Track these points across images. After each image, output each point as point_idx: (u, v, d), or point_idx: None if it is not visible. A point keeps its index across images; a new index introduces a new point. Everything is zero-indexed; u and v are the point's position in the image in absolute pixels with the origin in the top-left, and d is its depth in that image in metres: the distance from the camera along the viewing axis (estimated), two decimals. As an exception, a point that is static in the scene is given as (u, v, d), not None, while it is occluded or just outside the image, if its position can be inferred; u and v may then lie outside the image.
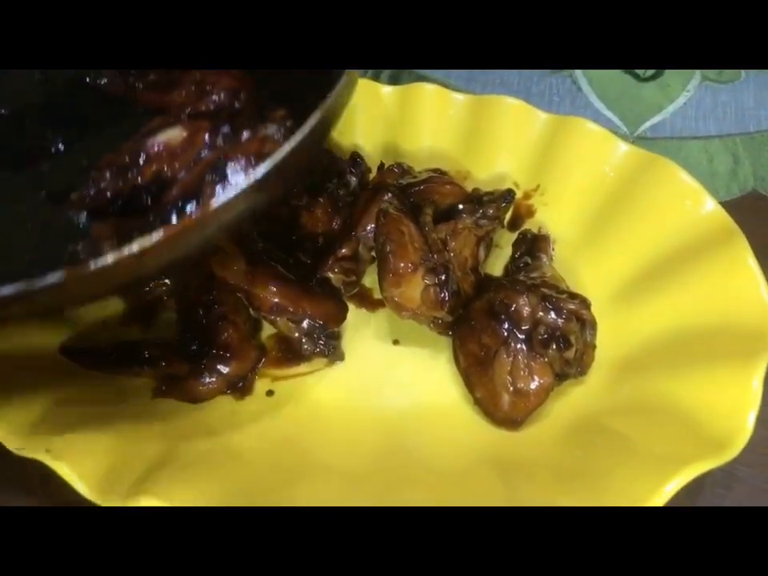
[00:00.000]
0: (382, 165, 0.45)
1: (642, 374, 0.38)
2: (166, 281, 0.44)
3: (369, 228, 0.42)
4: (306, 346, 0.41)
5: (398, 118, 0.49)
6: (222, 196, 0.28)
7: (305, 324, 0.41)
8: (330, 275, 0.42)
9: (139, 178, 0.33)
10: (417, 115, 0.49)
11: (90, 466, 0.34)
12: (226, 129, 0.33)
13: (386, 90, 0.50)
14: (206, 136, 0.33)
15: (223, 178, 0.31)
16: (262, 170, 0.29)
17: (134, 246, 0.27)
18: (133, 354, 0.40)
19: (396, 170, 0.44)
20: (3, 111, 0.38)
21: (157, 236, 0.27)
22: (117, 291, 0.33)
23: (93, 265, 0.27)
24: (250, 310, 0.41)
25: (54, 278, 0.26)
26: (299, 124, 0.30)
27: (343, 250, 0.42)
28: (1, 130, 0.38)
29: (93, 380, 0.40)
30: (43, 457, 0.33)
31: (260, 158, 0.31)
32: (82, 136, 0.37)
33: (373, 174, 0.47)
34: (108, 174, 0.33)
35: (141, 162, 0.33)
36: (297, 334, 0.41)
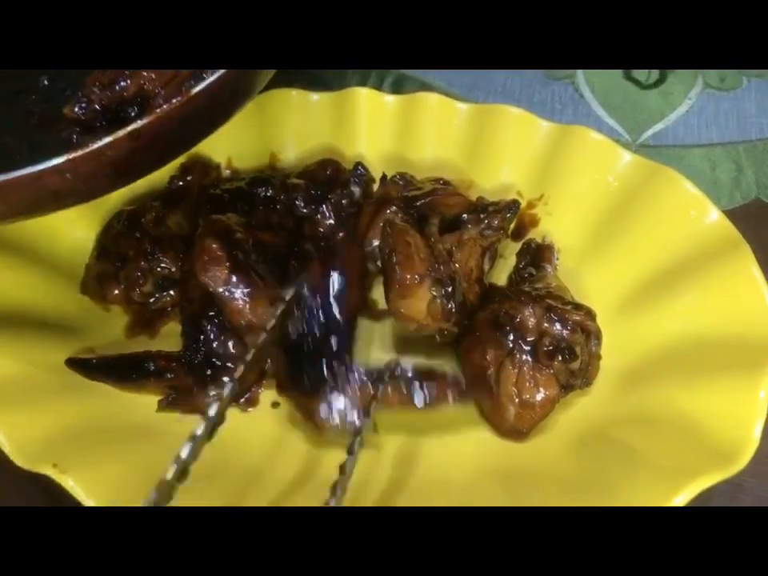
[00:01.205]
0: (384, 176, 0.45)
1: (647, 384, 0.38)
2: (171, 292, 0.45)
3: (374, 242, 0.42)
4: (269, 365, 0.41)
5: (401, 127, 0.50)
6: (199, 85, 0.33)
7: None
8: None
9: (124, 93, 0.35)
10: (420, 124, 0.49)
11: (97, 479, 0.34)
12: None
13: (389, 99, 0.50)
14: None
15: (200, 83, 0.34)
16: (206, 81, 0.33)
17: (129, 128, 0.31)
18: (138, 366, 0.40)
19: (399, 181, 0.44)
20: None
21: (148, 118, 0.31)
22: (117, 177, 0.35)
23: (92, 145, 0.31)
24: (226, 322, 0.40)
25: (58, 160, 0.30)
26: None
27: (350, 264, 0.42)
28: None
29: (99, 392, 0.40)
30: (50, 471, 0.33)
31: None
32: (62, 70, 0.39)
33: (376, 185, 0.47)
34: (96, 89, 0.35)
35: (124, 78, 0.35)
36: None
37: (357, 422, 0.37)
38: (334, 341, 0.39)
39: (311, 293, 0.39)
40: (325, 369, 0.38)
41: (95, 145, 0.31)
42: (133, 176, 0.36)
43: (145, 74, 0.35)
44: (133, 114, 0.35)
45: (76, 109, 0.35)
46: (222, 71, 0.33)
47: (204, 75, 0.34)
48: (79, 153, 0.31)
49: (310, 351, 0.38)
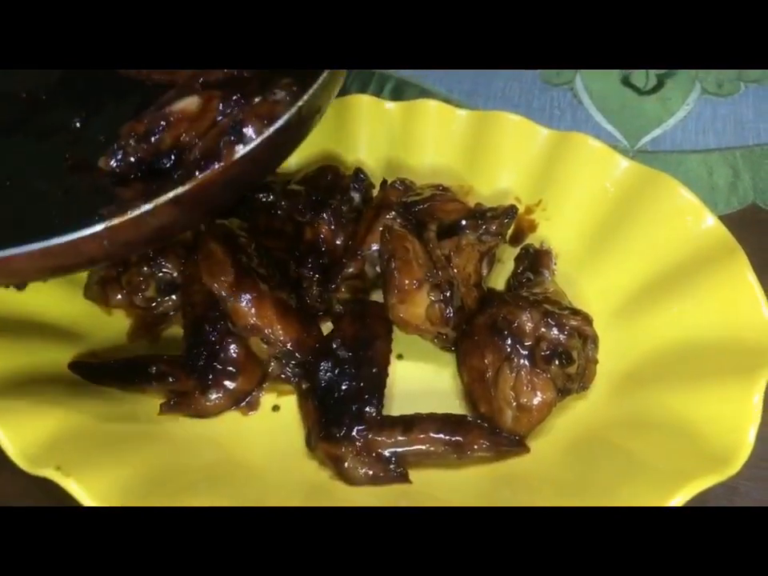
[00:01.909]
0: (384, 181, 0.46)
1: (643, 388, 0.38)
2: (173, 296, 0.45)
3: (374, 247, 0.43)
4: (272, 369, 0.42)
5: (400, 133, 0.50)
6: (244, 147, 0.32)
7: (276, 347, 0.41)
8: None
9: (160, 144, 0.34)
10: (420, 131, 0.50)
11: (100, 482, 0.34)
12: (236, 96, 0.35)
13: (389, 105, 0.50)
14: (219, 104, 0.34)
15: (240, 139, 0.33)
16: (280, 122, 0.33)
17: (170, 194, 0.30)
18: (141, 370, 0.41)
19: (399, 186, 0.45)
20: (23, 94, 0.40)
21: (190, 184, 0.30)
22: (153, 241, 0.34)
23: (132, 212, 0.29)
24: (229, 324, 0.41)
25: (96, 227, 0.29)
26: (305, 91, 0.34)
27: (350, 270, 0.43)
28: (21, 112, 0.40)
29: (101, 396, 0.40)
30: (53, 474, 0.33)
31: (272, 119, 0.33)
32: (96, 113, 0.39)
33: (376, 190, 0.47)
34: (132, 141, 0.34)
35: (161, 129, 0.34)
36: (266, 356, 0.41)
37: (386, 474, 0.37)
38: (365, 391, 0.39)
39: (343, 345, 0.41)
40: (354, 418, 0.39)
41: (135, 212, 0.29)
42: (169, 238, 0.35)
43: (182, 121, 0.35)
44: (168, 165, 0.34)
45: (112, 162, 0.34)
46: (264, 134, 0.32)
47: (244, 130, 0.33)
48: (118, 220, 0.29)
49: (341, 400, 0.39)
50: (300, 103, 0.33)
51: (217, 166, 0.31)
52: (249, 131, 0.33)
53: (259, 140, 0.32)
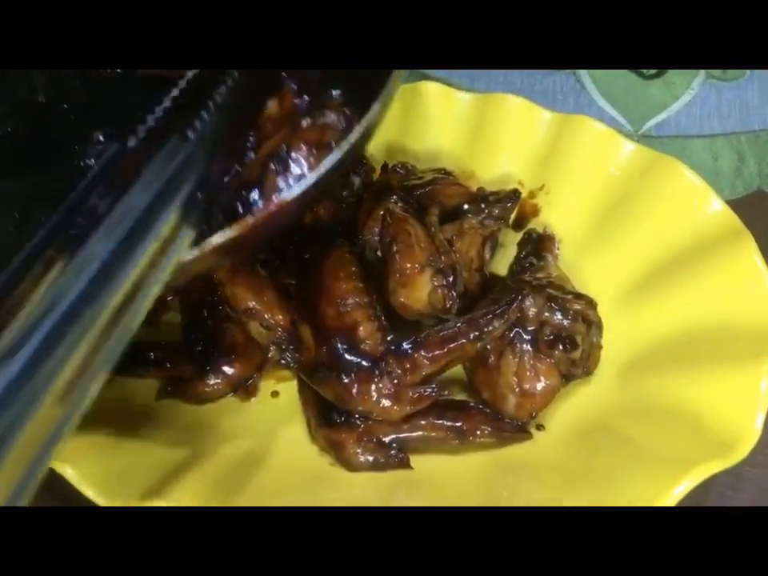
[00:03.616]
0: (385, 165, 0.45)
1: (648, 374, 0.38)
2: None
3: (374, 231, 0.42)
4: (272, 354, 0.41)
5: (401, 116, 0.49)
6: (286, 192, 0.28)
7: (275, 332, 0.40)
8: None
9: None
10: (420, 114, 0.49)
11: (95, 469, 0.34)
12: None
13: (390, 88, 0.49)
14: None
15: (285, 169, 0.30)
16: (325, 165, 0.28)
17: (214, 240, 0.27)
18: (137, 356, 0.40)
19: (400, 170, 0.44)
20: (40, 99, 0.37)
21: (231, 231, 0.27)
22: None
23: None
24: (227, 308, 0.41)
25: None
26: (357, 111, 0.30)
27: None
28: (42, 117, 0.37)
29: (97, 382, 0.39)
30: (49, 460, 0.33)
31: (321, 147, 0.31)
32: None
33: (376, 174, 0.47)
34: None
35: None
36: (266, 341, 0.41)
37: (387, 460, 0.37)
38: None
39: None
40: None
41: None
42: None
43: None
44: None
45: None
46: (310, 181, 0.28)
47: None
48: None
49: None
50: (354, 138, 0.29)
51: (262, 209, 0.28)
52: (295, 161, 0.30)
53: (298, 191, 0.28)
